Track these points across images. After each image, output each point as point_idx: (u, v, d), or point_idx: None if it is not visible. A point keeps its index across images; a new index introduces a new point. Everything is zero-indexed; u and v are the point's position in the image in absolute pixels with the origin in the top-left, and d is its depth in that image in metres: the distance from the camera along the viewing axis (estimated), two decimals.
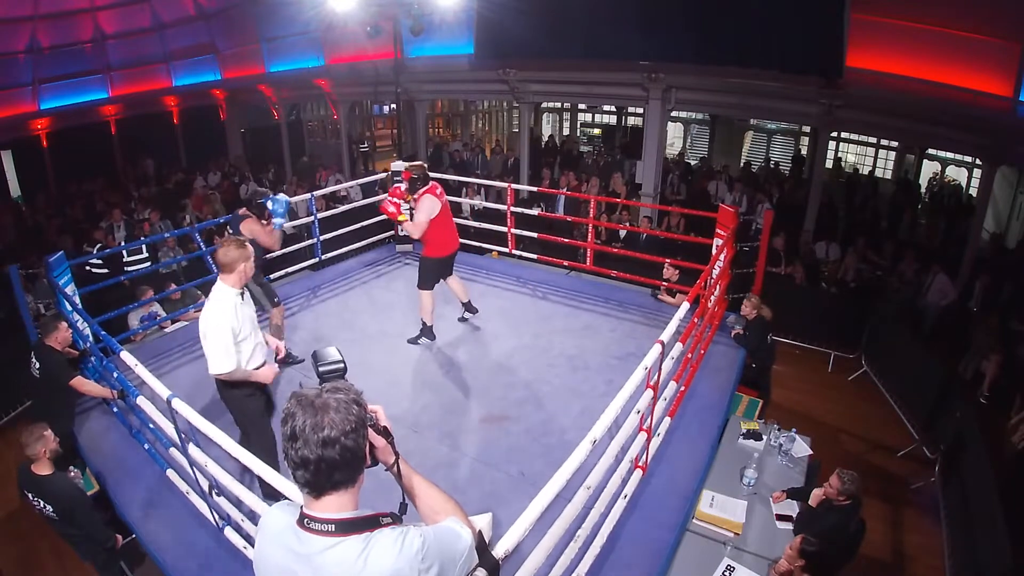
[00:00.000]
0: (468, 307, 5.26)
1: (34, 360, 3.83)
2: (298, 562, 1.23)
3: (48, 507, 3.13)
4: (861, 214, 9.77)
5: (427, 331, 4.93)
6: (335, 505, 1.23)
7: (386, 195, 4.84)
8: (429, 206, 4.51)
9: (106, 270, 6.84)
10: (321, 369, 1.53)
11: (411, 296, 5.88)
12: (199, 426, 2.61)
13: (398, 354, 4.81)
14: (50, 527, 3.30)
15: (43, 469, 3.14)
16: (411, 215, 4.64)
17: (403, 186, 4.69)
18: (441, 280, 4.93)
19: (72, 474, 3.51)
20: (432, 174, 7.94)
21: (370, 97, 13.65)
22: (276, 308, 4.70)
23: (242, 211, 4.57)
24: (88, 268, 6.84)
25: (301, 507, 1.26)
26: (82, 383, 3.90)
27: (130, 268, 6.88)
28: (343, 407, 1.22)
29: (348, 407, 1.22)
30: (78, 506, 3.15)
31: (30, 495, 3.17)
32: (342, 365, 1.53)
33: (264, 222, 4.51)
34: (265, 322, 4.52)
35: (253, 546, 1.45)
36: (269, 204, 4.51)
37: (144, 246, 7.25)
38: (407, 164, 4.92)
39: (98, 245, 7.91)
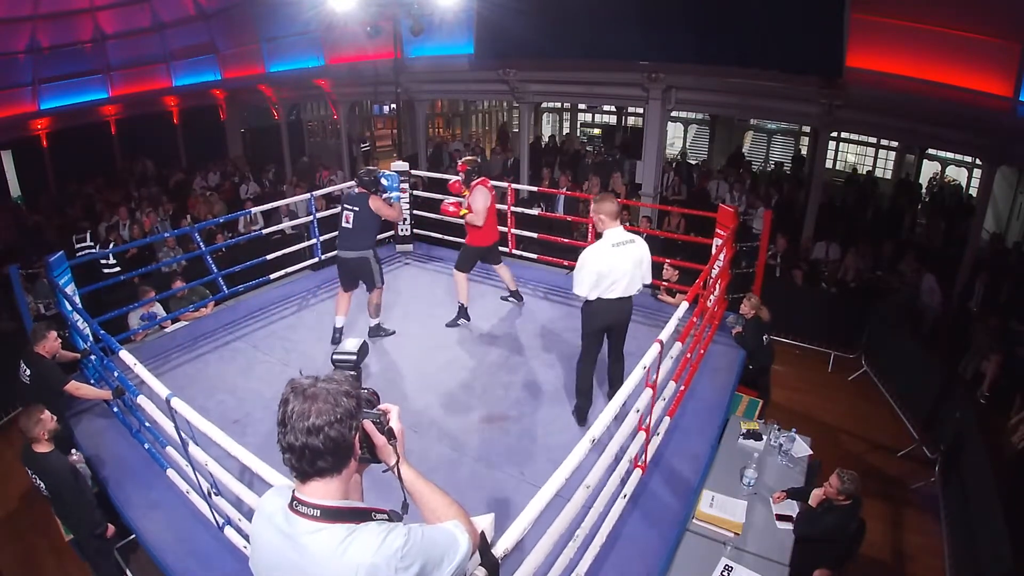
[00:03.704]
0: (515, 295, 5.62)
1: (24, 367, 3.83)
2: (285, 542, 1.26)
3: (42, 484, 3.21)
4: (861, 214, 9.76)
5: (464, 312, 5.23)
6: (321, 491, 1.26)
7: (447, 197, 5.22)
8: (484, 196, 4.92)
9: (118, 268, 6.94)
10: (334, 356, 1.57)
11: (411, 296, 5.91)
12: (198, 425, 2.61)
13: (398, 353, 4.82)
14: (51, 510, 3.41)
15: (42, 448, 3.22)
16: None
17: (461, 178, 5.08)
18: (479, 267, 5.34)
19: (75, 457, 3.50)
20: (432, 174, 7.95)
21: (370, 97, 13.65)
22: (378, 289, 4.90)
23: (359, 190, 4.62)
24: (102, 264, 7.06)
25: (293, 491, 1.30)
26: (77, 387, 3.88)
27: (107, 272, 6.89)
28: (332, 398, 1.24)
29: (337, 398, 1.25)
30: (65, 485, 3.19)
31: (29, 471, 3.26)
32: (354, 358, 1.56)
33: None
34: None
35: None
36: (384, 180, 4.66)
37: (112, 255, 7.28)
38: (464, 158, 5.33)
39: (87, 235, 8.04)
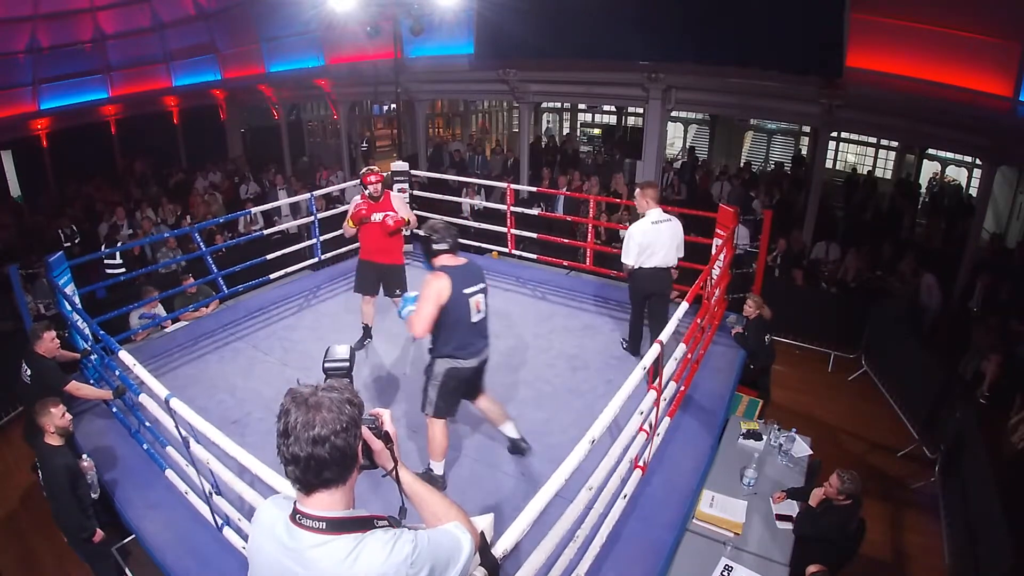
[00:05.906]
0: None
1: (25, 367, 3.82)
2: (288, 556, 1.24)
3: (40, 472, 3.25)
4: (861, 214, 9.76)
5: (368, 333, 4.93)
6: (326, 503, 1.24)
7: (387, 216, 4.58)
8: (400, 197, 4.97)
9: (123, 268, 6.94)
10: (326, 365, 1.52)
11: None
12: (197, 426, 2.61)
13: (398, 354, 4.81)
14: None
15: (49, 440, 3.23)
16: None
17: (370, 191, 4.58)
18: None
19: (86, 463, 3.44)
20: (432, 174, 7.95)
21: (370, 97, 13.65)
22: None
23: (464, 260, 3.29)
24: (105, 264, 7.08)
25: (295, 502, 1.27)
26: (77, 388, 3.87)
27: (110, 272, 6.89)
28: (336, 406, 1.22)
29: (341, 407, 1.23)
30: (55, 481, 3.18)
31: (37, 461, 3.30)
32: (347, 364, 1.52)
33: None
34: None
35: None
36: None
37: (118, 254, 7.25)
38: (370, 167, 4.79)
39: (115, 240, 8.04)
